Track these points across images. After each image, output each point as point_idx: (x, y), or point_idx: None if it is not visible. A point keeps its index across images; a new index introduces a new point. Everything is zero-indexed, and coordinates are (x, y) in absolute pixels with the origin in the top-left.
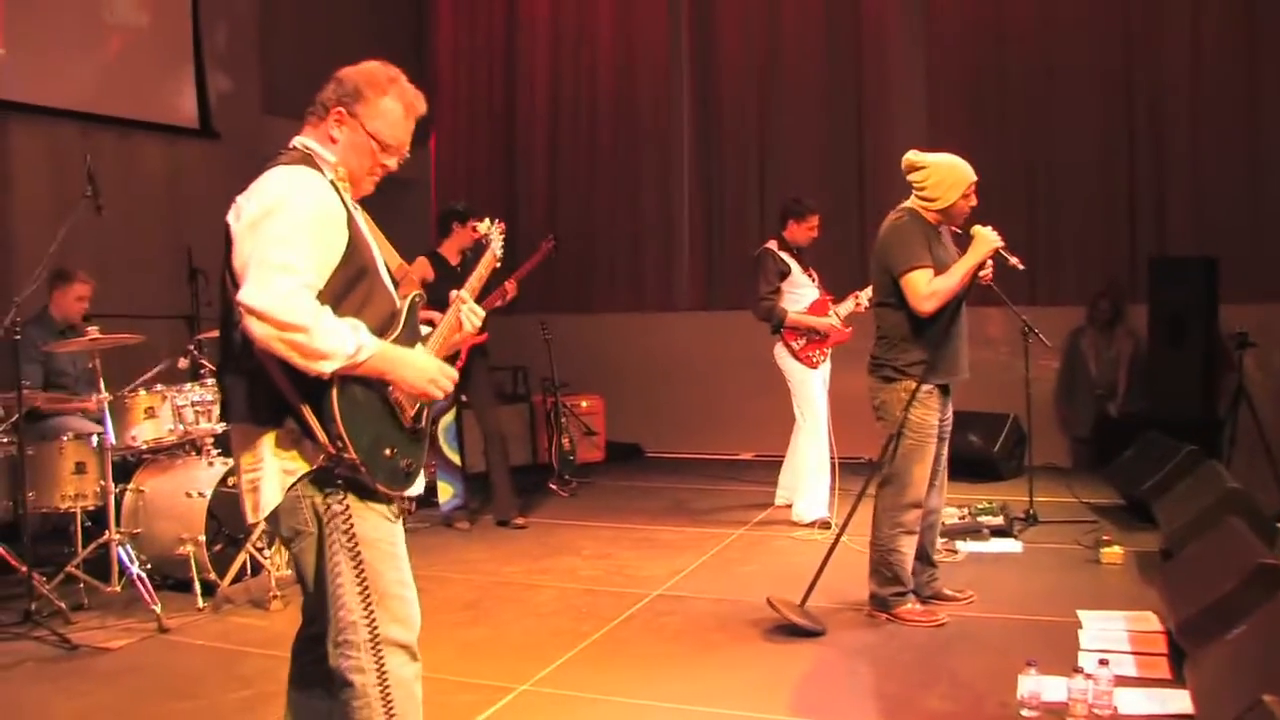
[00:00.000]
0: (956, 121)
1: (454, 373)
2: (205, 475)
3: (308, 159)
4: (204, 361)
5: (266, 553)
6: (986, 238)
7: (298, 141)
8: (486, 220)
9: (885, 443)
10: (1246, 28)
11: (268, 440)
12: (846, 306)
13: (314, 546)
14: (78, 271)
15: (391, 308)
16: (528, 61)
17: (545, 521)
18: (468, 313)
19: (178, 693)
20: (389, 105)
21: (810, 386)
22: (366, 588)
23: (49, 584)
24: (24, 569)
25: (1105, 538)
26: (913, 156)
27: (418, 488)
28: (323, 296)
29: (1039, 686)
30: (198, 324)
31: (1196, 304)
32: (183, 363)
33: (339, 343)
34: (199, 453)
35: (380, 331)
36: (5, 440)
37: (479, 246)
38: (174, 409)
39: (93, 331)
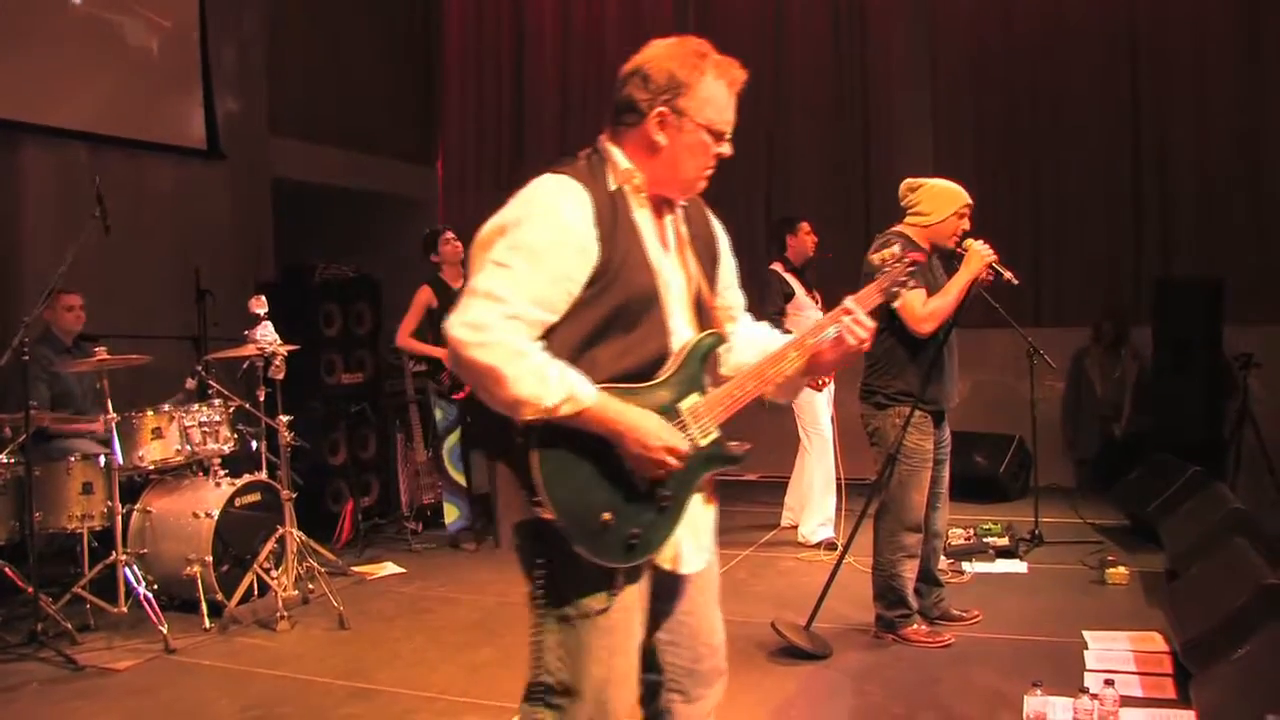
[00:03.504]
0: (962, 140)
1: (684, 448)
2: (212, 496)
3: (590, 166)
4: (211, 382)
5: (274, 573)
6: (980, 253)
7: (601, 142)
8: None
9: (881, 468)
10: (1251, 51)
11: (502, 474)
12: None
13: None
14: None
15: (662, 349)
16: (537, 79)
17: None
18: (851, 324)
19: (184, 713)
20: (713, 87)
21: (815, 408)
22: (567, 660)
23: (55, 604)
24: (30, 589)
25: (1110, 558)
26: (910, 181)
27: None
28: (569, 331)
29: (1045, 707)
30: (205, 344)
31: (1201, 325)
32: (190, 384)
33: (533, 390)
34: (206, 473)
35: (643, 375)
36: (13, 461)
37: None
38: (181, 429)
39: (101, 352)
